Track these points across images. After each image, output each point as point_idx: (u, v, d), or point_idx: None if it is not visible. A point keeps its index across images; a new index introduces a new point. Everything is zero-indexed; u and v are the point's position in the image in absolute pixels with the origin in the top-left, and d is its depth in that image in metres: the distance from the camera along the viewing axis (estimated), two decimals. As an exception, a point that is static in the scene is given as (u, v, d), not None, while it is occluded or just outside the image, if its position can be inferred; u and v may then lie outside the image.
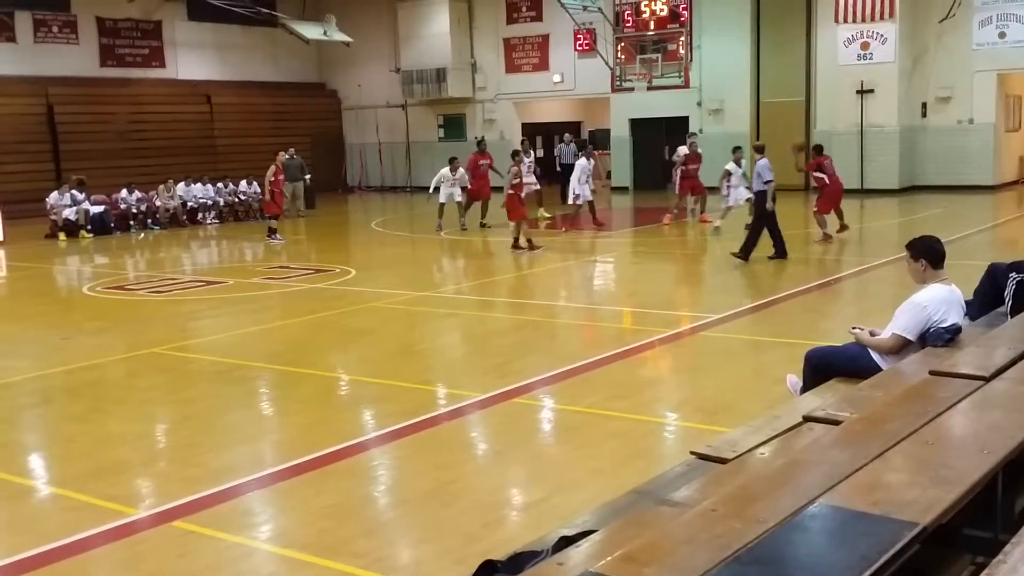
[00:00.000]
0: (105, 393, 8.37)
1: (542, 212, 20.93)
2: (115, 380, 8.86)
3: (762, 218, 14.12)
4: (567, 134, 27.13)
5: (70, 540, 5.03)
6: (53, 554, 4.89)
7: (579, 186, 18.92)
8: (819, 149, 17.66)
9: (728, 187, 17.72)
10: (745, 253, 13.87)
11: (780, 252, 14.09)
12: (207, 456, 6.39)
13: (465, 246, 16.83)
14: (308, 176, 24.78)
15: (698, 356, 9.07)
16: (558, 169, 25.37)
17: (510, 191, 16.16)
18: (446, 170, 19.95)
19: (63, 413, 7.78)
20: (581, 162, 19.31)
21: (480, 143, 21.91)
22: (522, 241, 16.02)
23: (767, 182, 13.97)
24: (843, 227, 16.74)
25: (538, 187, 21.32)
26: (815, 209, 16.75)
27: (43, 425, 7.60)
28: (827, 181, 16.69)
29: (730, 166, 17.77)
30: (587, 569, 2.46)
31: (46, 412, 7.91)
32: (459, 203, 19.93)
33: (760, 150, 15.07)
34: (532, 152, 22.78)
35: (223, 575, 4.69)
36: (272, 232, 19.23)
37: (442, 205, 19.68)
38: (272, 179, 19.52)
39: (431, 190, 20.46)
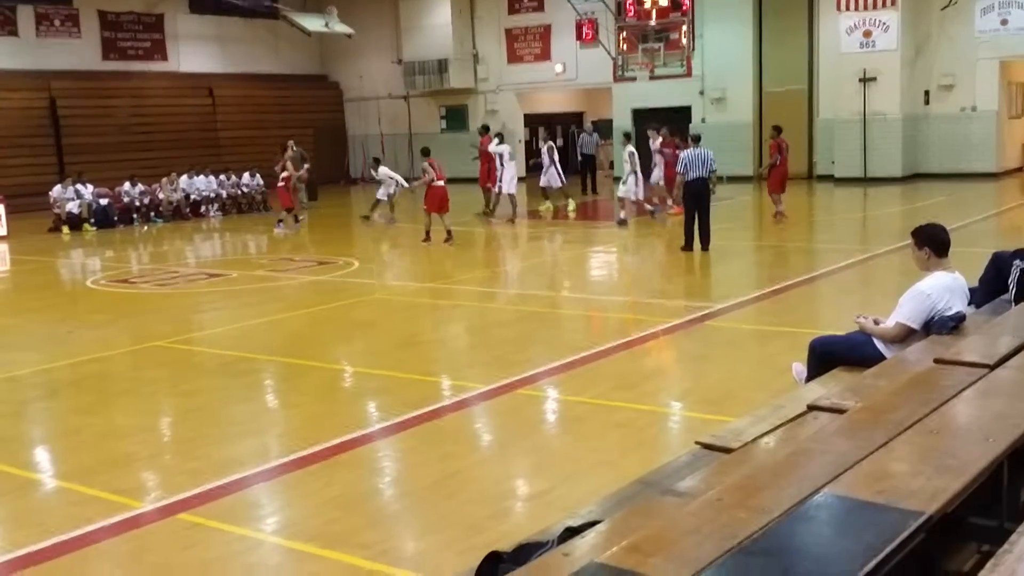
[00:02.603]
0: (110, 386, 8.38)
1: (548, 205, 20.95)
2: (120, 373, 8.88)
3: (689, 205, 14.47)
4: (588, 123, 27.02)
5: (76, 533, 5.04)
6: (59, 548, 4.90)
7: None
8: (779, 130, 17.87)
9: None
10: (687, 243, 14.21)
11: (689, 245, 14.23)
12: (212, 448, 6.40)
13: (466, 237, 16.83)
14: (307, 166, 24.69)
15: (702, 346, 9.06)
16: (579, 159, 25.28)
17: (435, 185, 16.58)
18: (371, 171, 21.02)
19: (68, 406, 7.80)
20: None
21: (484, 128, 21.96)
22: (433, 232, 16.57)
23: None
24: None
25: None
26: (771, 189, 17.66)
27: (48, 418, 7.62)
28: (779, 161, 17.58)
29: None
30: (592, 559, 2.46)
31: (51, 405, 7.93)
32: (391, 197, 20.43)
33: (696, 140, 15.00)
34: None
35: (230, 567, 4.70)
36: (280, 222, 19.60)
37: (377, 201, 20.35)
38: (289, 172, 20.00)
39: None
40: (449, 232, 16.38)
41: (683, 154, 14.49)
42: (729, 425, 4.37)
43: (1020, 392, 3.80)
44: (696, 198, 14.21)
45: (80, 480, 5.90)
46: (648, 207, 18.76)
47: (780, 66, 26.62)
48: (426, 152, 17.45)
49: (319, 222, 21.34)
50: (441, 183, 16.53)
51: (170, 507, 5.37)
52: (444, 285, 13.05)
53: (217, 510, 5.33)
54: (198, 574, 4.59)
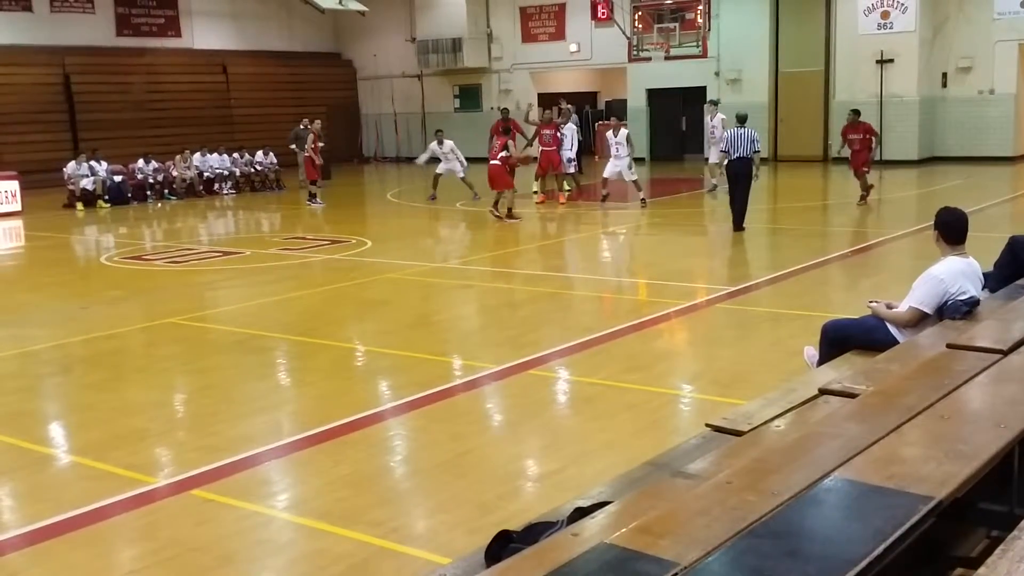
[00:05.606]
0: (124, 362, 8.43)
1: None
2: (133, 349, 8.93)
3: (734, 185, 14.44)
4: (565, 105, 26.96)
5: (89, 508, 5.09)
6: (72, 522, 4.94)
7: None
8: (858, 112, 17.64)
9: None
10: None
11: (738, 224, 14.24)
12: (225, 425, 6.44)
13: (480, 217, 16.80)
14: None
15: (714, 328, 9.05)
16: None
17: (497, 162, 16.47)
18: (434, 144, 20.24)
19: (82, 382, 7.85)
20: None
21: (545, 112, 21.70)
22: (501, 210, 16.44)
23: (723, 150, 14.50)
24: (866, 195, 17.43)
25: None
26: (866, 169, 17.27)
27: (62, 394, 7.68)
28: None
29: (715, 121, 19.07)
30: (602, 540, 2.47)
31: (65, 381, 7.98)
32: (463, 179, 19.78)
33: (742, 120, 14.79)
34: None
35: (241, 543, 4.74)
36: (313, 196, 20.30)
37: (438, 175, 19.94)
38: (312, 146, 20.39)
39: (423, 162, 20.97)
40: (496, 208, 16.58)
41: (727, 133, 14.45)
42: (740, 408, 4.36)
43: (1033, 378, 3.78)
44: (738, 178, 14.21)
45: (94, 455, 5.94)
46: (604, 191, 18.28)
47: (796, 47, 26.42)
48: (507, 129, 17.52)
49: (333, 201, 21.34)
50: (494, 162, 16.61)
51: (183, 483, 5.41)
52: (456, 265, 13.06)
53: (230, 486, 5.37)
54: (211, 550, 4.63)
